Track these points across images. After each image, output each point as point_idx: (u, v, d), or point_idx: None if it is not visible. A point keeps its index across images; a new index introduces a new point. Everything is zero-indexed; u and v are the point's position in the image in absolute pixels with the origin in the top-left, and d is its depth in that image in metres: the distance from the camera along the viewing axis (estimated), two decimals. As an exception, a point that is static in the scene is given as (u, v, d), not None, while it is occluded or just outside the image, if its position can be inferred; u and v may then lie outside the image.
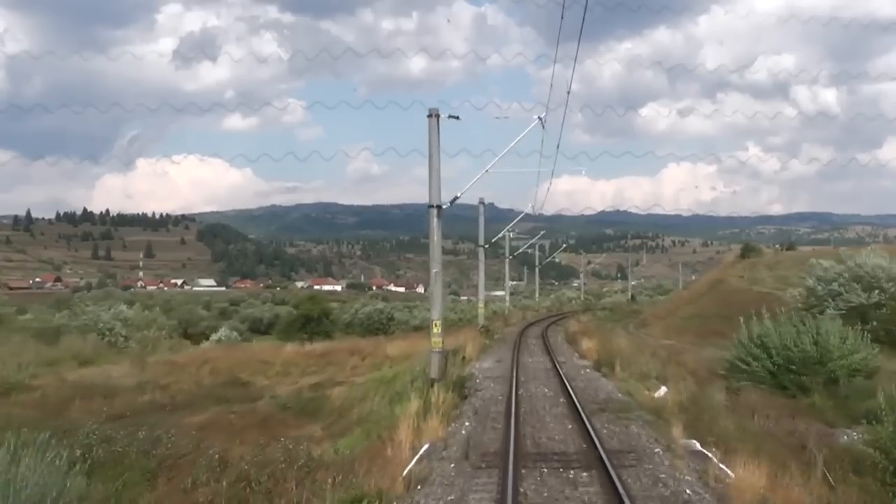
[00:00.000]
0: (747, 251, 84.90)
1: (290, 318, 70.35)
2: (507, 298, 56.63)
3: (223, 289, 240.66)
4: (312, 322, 64.73)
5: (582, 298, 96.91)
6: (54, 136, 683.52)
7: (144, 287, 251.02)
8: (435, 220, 24.37)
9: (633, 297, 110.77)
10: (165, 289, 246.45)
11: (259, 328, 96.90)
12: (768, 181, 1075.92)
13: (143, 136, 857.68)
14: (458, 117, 24.54)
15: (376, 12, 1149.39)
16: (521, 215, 55.46)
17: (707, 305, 61.70)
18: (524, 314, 63.59)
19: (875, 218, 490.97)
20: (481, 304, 45.77)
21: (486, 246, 53.31)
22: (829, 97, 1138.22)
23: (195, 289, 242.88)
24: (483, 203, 50.07)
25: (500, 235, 60.60)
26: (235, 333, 49.27)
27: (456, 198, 26.78)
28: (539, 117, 27.11)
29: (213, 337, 47.00)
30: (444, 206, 24.73)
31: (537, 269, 76.57)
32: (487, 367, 28.04)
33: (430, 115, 24.24)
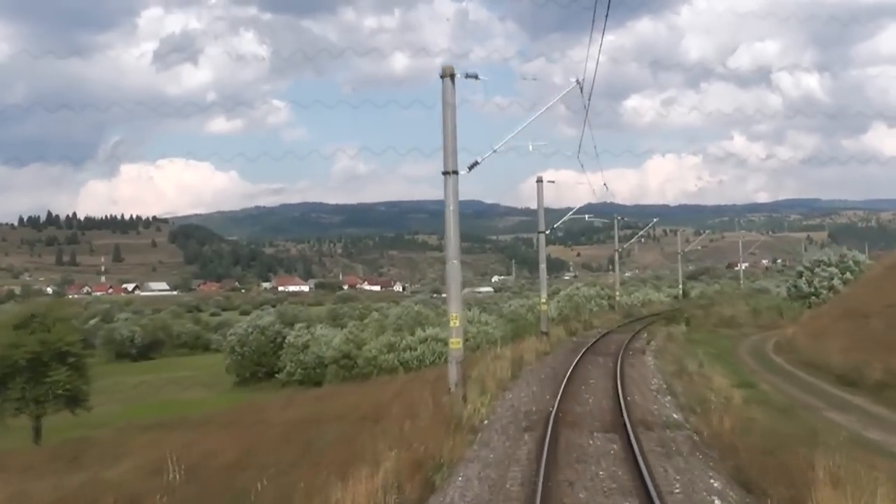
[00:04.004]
0: None
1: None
2: (457, 326, 16.43)
3: (175, 293, 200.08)
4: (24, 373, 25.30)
5: (617, 298, 56.74)
6: (37, 143, 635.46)
7: (90, 293, 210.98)
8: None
9: (684, 293, 72.42)
10: (111, 293, 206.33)
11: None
12: (755, 169, 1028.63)
13: (127, 140, 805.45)
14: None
15: (358, 10, 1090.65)
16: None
17: None
18: (521, 357, 23.12)
19: (864, 203, 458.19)
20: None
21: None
22: (813, 83, 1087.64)
23: (143, 293, 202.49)
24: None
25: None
26: None
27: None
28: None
29: None
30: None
31: (549, 238, 36.26)
32: None
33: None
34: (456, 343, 15.48)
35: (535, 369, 22.48)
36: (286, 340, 47.79)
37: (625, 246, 68.10)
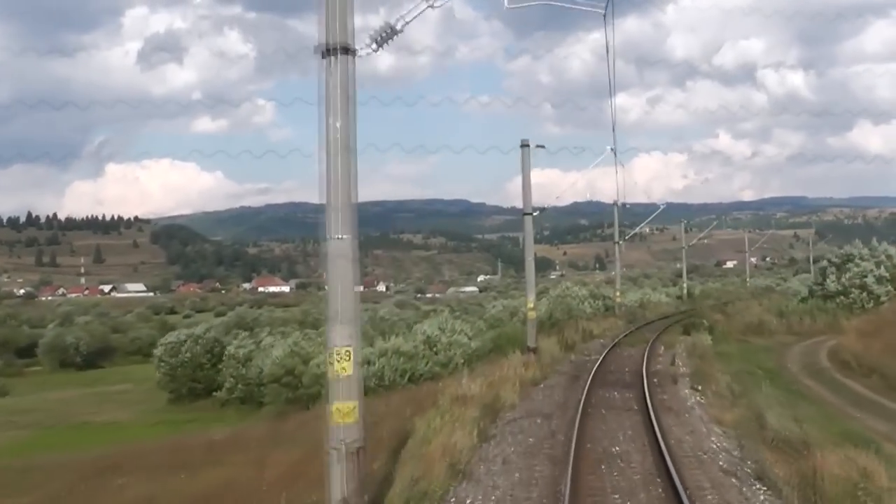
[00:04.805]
0: None
1: None
2: (348, 374, 9.45)
3: (151, 294, 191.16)
4: None
5: (617, 299, 48.84)
6: (21, 143, 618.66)
7: (65, 295, 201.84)
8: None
9: (689, 293, 64.70)
10: (88, 294, 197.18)
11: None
12: (740, 167, 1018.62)
13: (112, 140, 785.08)
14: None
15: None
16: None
17: None
18: (498, 396, 15.33)
19: (850, 200, 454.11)
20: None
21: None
22: (798, 81, 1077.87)
23: (120, 295, 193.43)
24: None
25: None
26: None
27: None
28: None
29: None
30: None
31: (535, 237, 28.03)
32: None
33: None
34: (344, 411, 6.86)
35: (518, 421, 14.04)
36: (226, 351, 39.39)
37: (626, 238, 60.26)
